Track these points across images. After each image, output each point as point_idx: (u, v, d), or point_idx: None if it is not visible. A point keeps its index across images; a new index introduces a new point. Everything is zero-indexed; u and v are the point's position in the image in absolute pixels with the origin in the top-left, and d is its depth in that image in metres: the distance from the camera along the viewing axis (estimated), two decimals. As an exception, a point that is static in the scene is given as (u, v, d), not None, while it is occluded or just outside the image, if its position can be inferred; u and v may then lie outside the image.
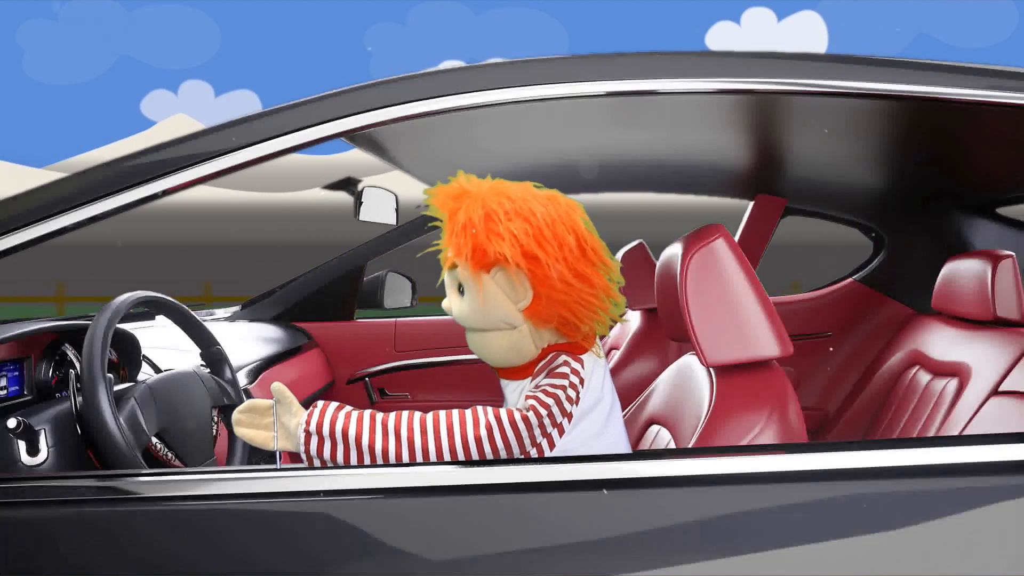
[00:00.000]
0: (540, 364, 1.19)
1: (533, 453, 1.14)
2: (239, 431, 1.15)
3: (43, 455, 1.27)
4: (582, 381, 1.17)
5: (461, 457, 1.10)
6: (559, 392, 1.15)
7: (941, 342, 1.97)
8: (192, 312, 1.61)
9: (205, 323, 1.64)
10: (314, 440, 1.11)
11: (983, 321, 1.84)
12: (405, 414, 1.12)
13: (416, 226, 2.75)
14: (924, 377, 1.96)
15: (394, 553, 0.95)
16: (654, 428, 1.43)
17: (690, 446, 1.21)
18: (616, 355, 2.70)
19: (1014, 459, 0.95)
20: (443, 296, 1.24)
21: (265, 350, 2.33)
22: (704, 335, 1.24)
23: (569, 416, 1.16)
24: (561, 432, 1.15)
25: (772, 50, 1.15)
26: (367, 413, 1.12)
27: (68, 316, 1.64)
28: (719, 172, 2.48)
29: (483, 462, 1.09)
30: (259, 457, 1.62)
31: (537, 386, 1.17)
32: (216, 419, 1.57)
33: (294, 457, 1.14)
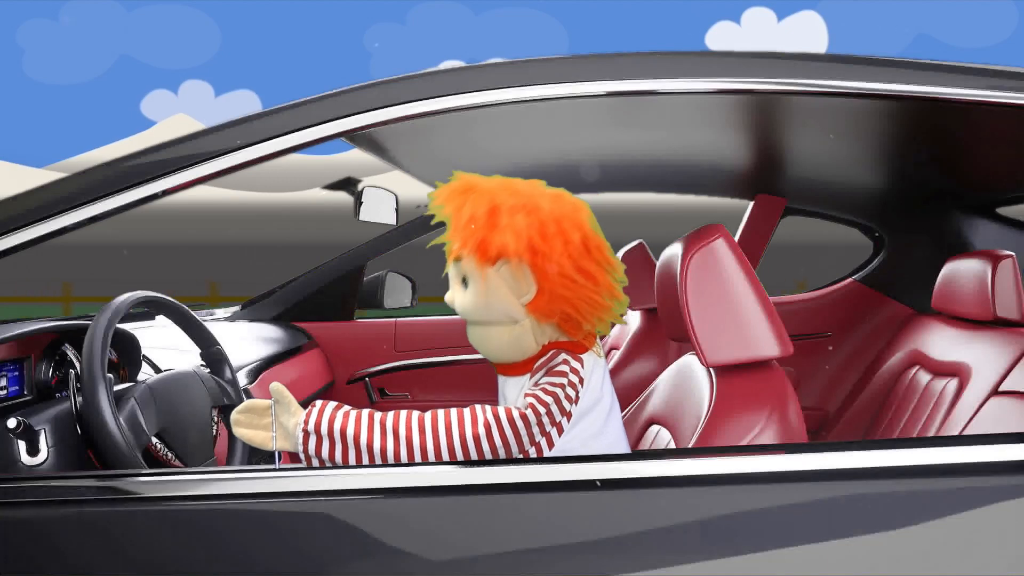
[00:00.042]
0: (540, 361, 1.19)
1: (532, 452, 1.14)
2: (238, 431, 1.15)
3: (43, 455, 1.27)
4: (581, 381, 1.17)
5: (460, 456, 1.10)
6: (558, 391, 1.15)
7: (941, 342, 1.97)
8: (192, 312, 1.61)
9: (205, 323, 1.64)
10: (312, 439, 1.11)
11: (983, 321, 1.84)
12: (403, 413, 1.12)
13: (416, 226, 2.75)
14: (924, 377, 1.96)
15: (394, 553, 0.95)
16: (654, 428, 1.43)
17: (690, 446, 1.21)
18: (616, 355, 2.70)
19: (1014, 459, 0.95)
20: (443, 296, 1.24)
21: (265, 350, 2.33)
22: (704, 335, 1.24)
23: (568, 415, 1.16)
24: (560, 431, 1.15)
25: (772, 50, 1.15)
26: (365, 412, 1.12)
27: (68, 316, 1.64)
28: (719, 172, 2.48)
29: (483, 462, 1.09)
30: (259, 457, 1.62)
31: (536, 384, 1.17)
32: (216, 419, 1.57)
33: (294, 457, 1.14)
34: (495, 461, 1.09)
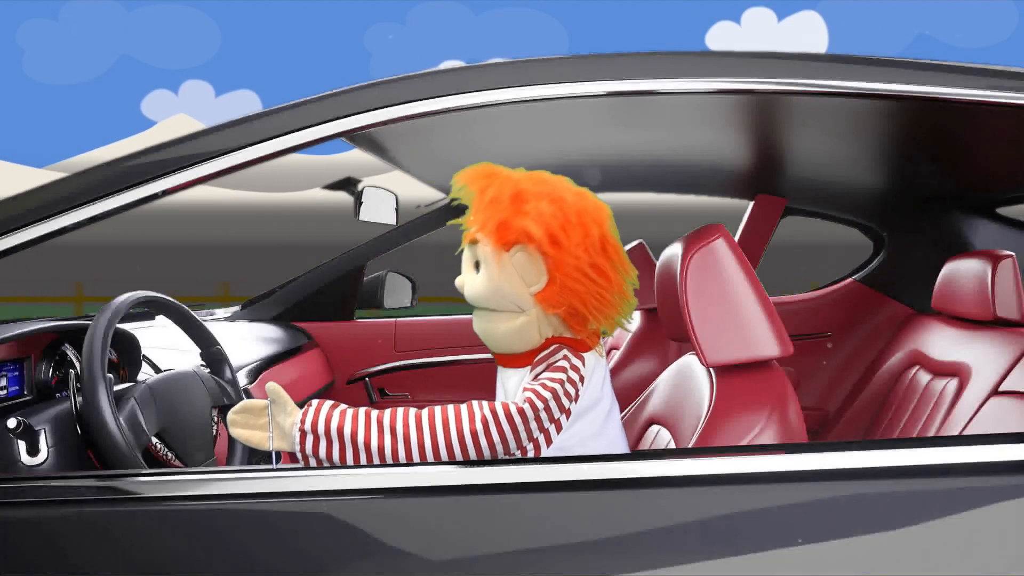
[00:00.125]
0: (541, 355, 1.19)
1: (530, 448, 1.14)
2: (235, 432, 1.15)
3: (43, 455, 1.27)
4: (582, 379, 1.17)
5: (457, 452, 1.10)
6: (557, 386, 1.14)
7: (941, 342, 1.97)
8: (192, 312, 1.61)
9: (205, 323, 1.64)
10: (309, 439, 1.10)
11: (983, 321, 1.84)
12: (400, 410, 1.12)
13: (416, 226, 2.75)
14: (924, 377, 1.96)
15: (394, 553, 0.95)
16: (654, 428, 1.43)
17: (690, 446, 1.21)
18: (616, 355, 2.70)
19: (1014, 459, 0.95)
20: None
21: (265, 350, 2.33)
22: (704, 335, 1.24)
23: (567, 412, 1.15)
24: (559, 428, 1.15)
25: (772, 50, 1.15)
26: (362, 410, 1.12)
27: (68, 316, 1.64)
28: (719, 172, 2.48)
29: (483, 462, 1.09)
30: (258, 457, 1.62)
31: (536, 378, 1.17)
32: (216, 419, 1.57)
33: (292, 457, 1.14)
34: (495, 461, 1.09)
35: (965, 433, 1.65)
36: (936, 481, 0.95)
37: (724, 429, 1.19)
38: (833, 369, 2.71)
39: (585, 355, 1.20)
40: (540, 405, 1.13)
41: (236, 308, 2.86)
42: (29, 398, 1.48)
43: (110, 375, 1.42)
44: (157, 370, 1.71)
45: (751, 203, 2.75)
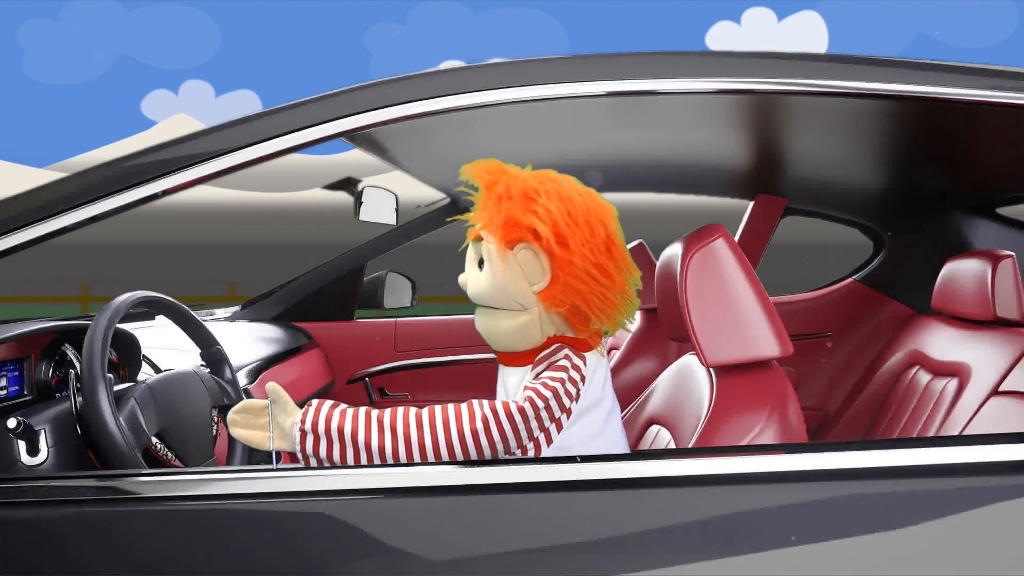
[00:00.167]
0: (542, 353, 1.19)
1: (530, 447, 1.14)
2: (235, 432, 1.15)
3: (43, 455, 1.27)
4: (583, 378, 1.17)
5: (458, 451, 1.10)
6: (558, 385, 1.14)
7: (941, 342, 1.97)
8: (192, 312, 1.61)
9: (205, 323, 1.64)
10: (310, 439, 1.10)
11: (983, 321, 1.84)
12: (400, 410, 1.12)
13: (416, 226, 2.75)
14: (924, 377, 1.96)
15: (394, 553, 0.95)
16: (654, 428, 1.43)
17: (690, 446, 1.21)
18: (616, 355, 2.70)
19: (1014, 459, 0.95)
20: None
21: (265, 350, 2.33)
22: (704, 335, 1.24)
23: (568, 412, 1.15)
24: (559, 427, 1.15)
25: (772, 50, 1.15)
26: (362, 410, 1.12)
27: (68, 316, 1.64)
28: (719, 172, 2.48)
29: (483, 462, 1.09)
30: (259, 457, 1.62)
31: (536, 377, 1.17)
32: (216, 419, 1.57)
33: (293, 457, 1.14)
34: (495, 461, 1.09)
35: (965, 433, 1.65)
36: (936, 481, 0.95)
37: (724, 429, 1.19)
38: (833, 369, 2.71)
39: (586, 355, 1.20)
40: (541, 404, 1.13)
41: (236, 308, 2.86)
42: (29, 398, 1.48)
43: (110, 375, 1.42)
44: (157, 370, 1.71)
45: (751, 203, 2.75)
